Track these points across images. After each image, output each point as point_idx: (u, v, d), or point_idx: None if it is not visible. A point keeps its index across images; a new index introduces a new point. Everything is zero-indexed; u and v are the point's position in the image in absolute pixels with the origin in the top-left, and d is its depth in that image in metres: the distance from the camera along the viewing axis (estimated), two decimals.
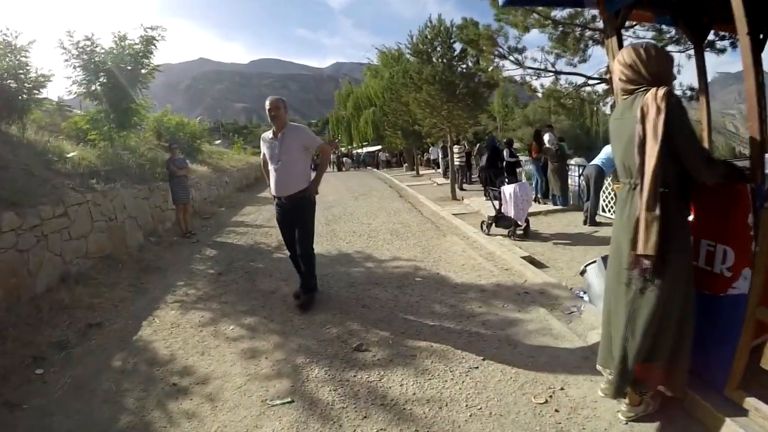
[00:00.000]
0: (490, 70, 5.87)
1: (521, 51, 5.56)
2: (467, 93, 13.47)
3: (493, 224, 8.74)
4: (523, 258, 6.72)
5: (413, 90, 14.70)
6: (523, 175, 14.85)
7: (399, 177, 24.94)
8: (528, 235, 8.43)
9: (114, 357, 4.31)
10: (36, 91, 9.34)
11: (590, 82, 5.49)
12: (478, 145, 21.50)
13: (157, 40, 11.13)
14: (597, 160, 9.54)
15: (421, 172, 27.02)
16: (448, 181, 18.74)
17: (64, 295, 5.74)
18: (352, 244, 8.46)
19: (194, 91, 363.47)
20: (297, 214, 5.15)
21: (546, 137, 11.66)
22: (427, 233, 9.11)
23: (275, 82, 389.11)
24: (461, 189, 15.91)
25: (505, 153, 14.84)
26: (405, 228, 9.72)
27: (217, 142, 62.45)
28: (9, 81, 8.82)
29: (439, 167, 28.64)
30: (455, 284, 5.73)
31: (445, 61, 13.41)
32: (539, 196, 12.44)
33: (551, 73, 5.42)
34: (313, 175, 5.34)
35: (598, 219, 9.46)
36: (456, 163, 16.26)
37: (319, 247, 8.22)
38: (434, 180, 21.08)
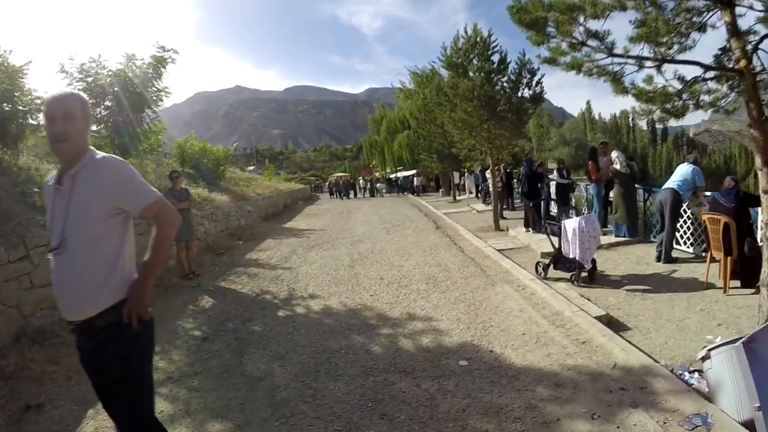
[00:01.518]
0: (566, 60, 4.33)
1: (602, 37, 4.00)
2: (509, 109, 11.84)
3: (551, 266, 7.06)
4: (599, 318, 5.04)
5: (448, 109, 13.14)
6: (573, 201, 13.05)
7: (435, 203, 23.30)
8: (593, 278, 6.74)
9: None
10: (31, 116, 8.71)
11: (707, 75, 3.90)
12: (521, 168, 19.73)
13: (167, 62, 10.20)
14: (671, 183, 7.80)
15: (457, 198, 25.33)
16: (488, 208, 17.14)
17: (12, 360, 4.67)
18: (377, 297, 6.76)
19: (232, 117, 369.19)
20: (104, 364, 2.29)
21: (614, 155, 9.78)
22: (471, 281, 7.33)
23: (311, 107, 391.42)
24: (502, 217, 14.14)
25: (555, 174, 13.11)
26: (444, 273, 7.96)
27: (251, 168, 63.01)
28: (2, 104, 8.24)
29: (465, 192, 27.00)
30: (517, 371, 4.02)
31: (482, 74, 11.82)
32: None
33: (654, 63, 3.84)
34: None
35: (674, 254, 7.76)
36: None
37: (335, 299, 6.70)
38: (473, 206, 19.36)
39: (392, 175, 46.94)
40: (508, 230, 12.06)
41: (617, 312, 5.38)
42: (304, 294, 7.11)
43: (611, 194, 10.15)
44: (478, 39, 12.18)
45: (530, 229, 11.29)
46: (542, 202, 12.65)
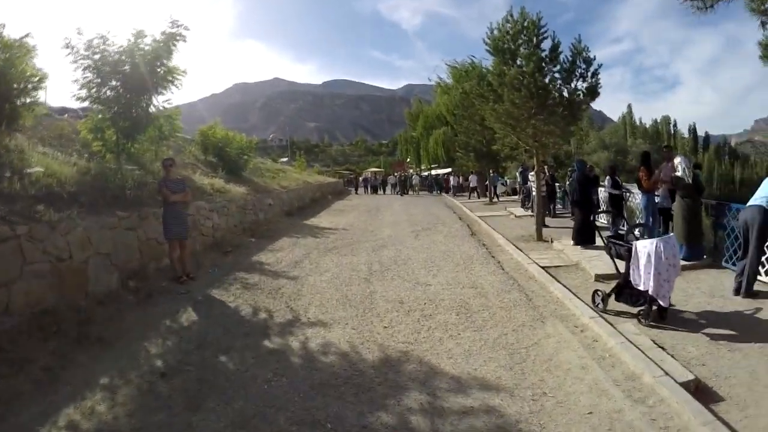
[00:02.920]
0: None
1: None
2: (560, 102, 10.29)
3: (613, 296, 5.54)
4: (685, 386, 3.62)
5: (491, 100, 11.59)
6: (626, 213, 11.46)
7: (470, 204, 21.89)
8: (665, 316, 5.20)
9: None
10: (27, 95, 8.41)
11: None
12: (569, 170, 17.93)
13: (177, 40, 9.07)
14: (759, 200, 6.08)
15: (494, 200, 23.75)
16: (527, 213, 15.67)
17: None
18: (392, 331, 5.28)
19: (269, 109, 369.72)
20: None
21: (677, 161, 8.20)
22: (514, 313, 5.78)
23: (347, 102, 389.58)
24: (544, 225, 12.56)
25: (607, 182, 11.53)
26: (480, 298, 6.43)
27: (284, 159, 62.49)
28: None
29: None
30: None
31: (532, 62, 10.25)
32: None
33: None
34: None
35: (755, 287, 6.06)
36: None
37: (339, 331, 5.26)
38: (510, 210, 17.77)
39: (426, 173, 45.55)
40: (552, 242, 10.51)
41: (702, 371, 3.98)
42: (302, 318, 5.75)
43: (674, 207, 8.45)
44: (527, 23, 10.62)
45: (579, 244, 9.75)
46: (585, 212, 11.12)
